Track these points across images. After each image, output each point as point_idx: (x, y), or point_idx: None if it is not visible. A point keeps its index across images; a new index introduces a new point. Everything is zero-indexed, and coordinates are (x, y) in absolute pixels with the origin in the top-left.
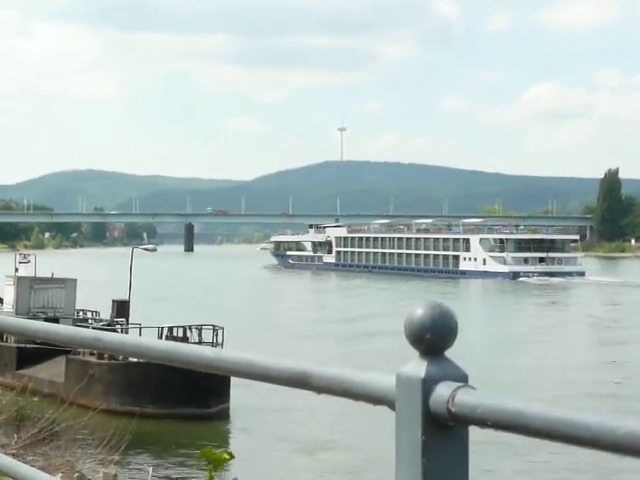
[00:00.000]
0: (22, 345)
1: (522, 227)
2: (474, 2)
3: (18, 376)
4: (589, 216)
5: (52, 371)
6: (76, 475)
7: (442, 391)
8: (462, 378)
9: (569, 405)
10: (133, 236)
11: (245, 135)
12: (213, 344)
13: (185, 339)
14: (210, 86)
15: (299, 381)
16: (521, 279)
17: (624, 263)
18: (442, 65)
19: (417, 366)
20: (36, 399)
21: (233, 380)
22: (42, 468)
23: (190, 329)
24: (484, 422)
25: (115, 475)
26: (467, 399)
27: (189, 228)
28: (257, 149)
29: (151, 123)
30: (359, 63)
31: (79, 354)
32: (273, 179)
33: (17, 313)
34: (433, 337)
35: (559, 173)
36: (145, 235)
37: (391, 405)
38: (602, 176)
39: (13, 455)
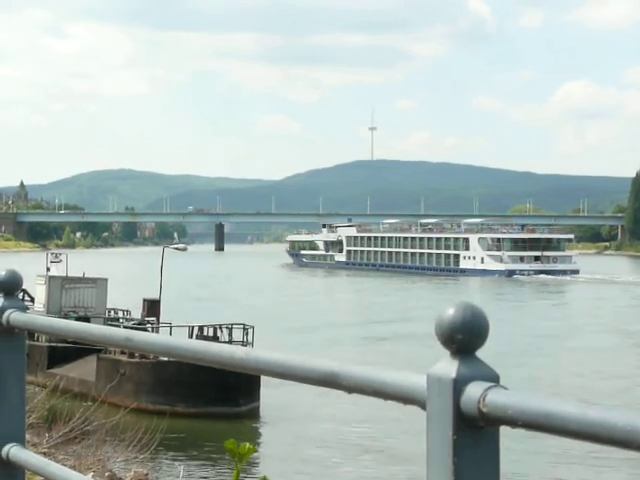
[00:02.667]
0: (53, 344)
1: (518, 227)
2: (507, 0)
3: (49, 375)
4: (620, 215)
5: (83, 370)
6: (107, 474)
7: (473, 391)
8: (493, 378)
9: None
10: (164, 236)
11: (276, 134)
12: (243, 343)
13: (215, 338)
14: (242, 85)
15: (329, 381)
16: (516, 277)
17: None
18: (474, 64)
19: (448, 366)
20: (67, 398)
21: (263, 379)
22: (73, 467)
23: (220, 328)
24: (515, 422)
25: (146, 474)
26: (498, 399)
27: (219, 228)
28: (288, 148)
29: (182, 122)
30: (391, 62)
31: (110, 353)
32: (304, 178)
33: (48, 312)
34: (464, 337)
35: (590, 172)
36: (176, 235)
37: (422, 405)
38: (634, 175)
39: (44, 454)
